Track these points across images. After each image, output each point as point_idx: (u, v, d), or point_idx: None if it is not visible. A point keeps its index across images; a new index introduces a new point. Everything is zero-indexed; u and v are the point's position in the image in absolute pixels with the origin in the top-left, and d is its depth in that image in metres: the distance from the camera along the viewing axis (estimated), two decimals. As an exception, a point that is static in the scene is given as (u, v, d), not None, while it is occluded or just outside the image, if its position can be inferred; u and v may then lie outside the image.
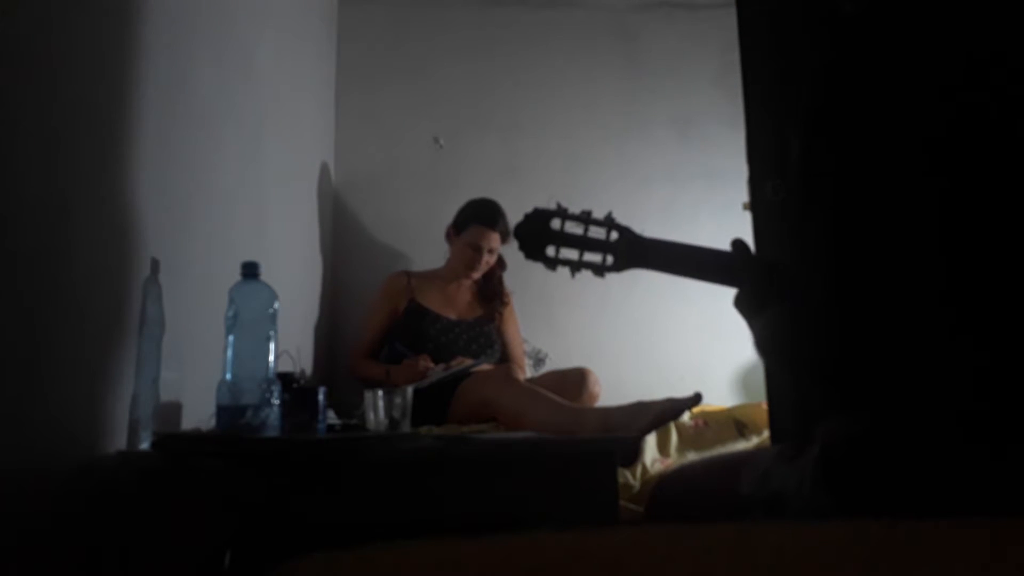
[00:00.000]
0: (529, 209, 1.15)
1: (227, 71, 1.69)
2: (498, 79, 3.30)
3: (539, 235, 1.13)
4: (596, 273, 1.13)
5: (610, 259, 1.12)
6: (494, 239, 2.66)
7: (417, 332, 2.61)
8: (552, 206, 1.15)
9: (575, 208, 1.15)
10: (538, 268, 1.12)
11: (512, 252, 2.75)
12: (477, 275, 2.72)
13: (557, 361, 2.89)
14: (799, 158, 0.86)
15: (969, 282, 0.77)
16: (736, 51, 1.62)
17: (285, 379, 1.31)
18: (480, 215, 2.68)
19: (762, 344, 0.99)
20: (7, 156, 0.87)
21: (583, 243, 1.12)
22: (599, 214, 1.13)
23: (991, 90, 0.77)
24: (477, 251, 2.67)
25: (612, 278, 1.12)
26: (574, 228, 1.13)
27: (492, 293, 2.78)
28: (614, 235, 1.12)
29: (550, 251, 1.13)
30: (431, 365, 2.42)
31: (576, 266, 1.13)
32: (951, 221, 0.77)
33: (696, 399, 1.83)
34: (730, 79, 2.19)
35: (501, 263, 2.79)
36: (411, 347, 2.57)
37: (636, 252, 1.11)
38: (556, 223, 1.14)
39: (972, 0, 0.82)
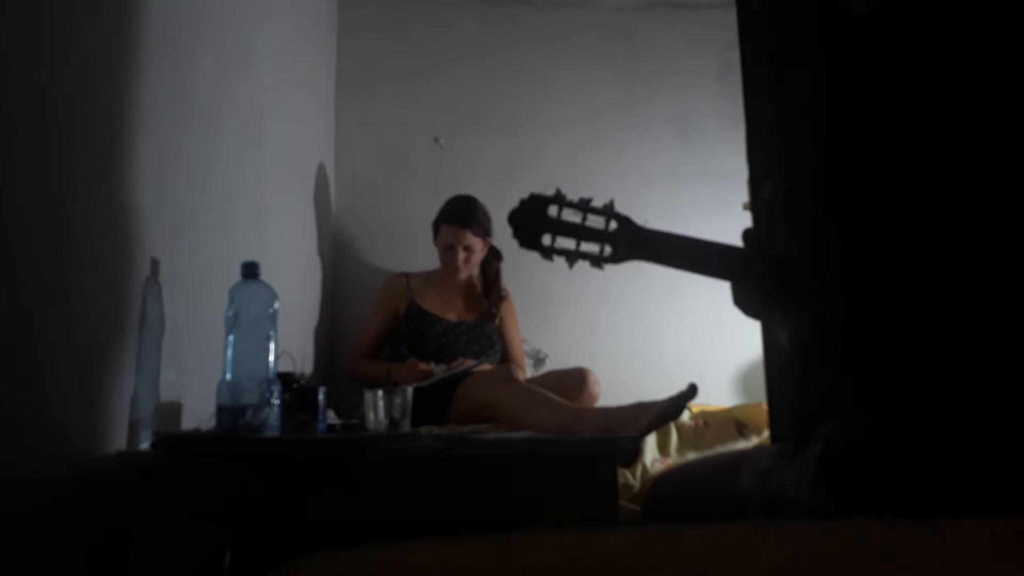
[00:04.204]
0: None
1: (227, 71, 1.69)
2: (498, 79, 3.31)
3: (535, 223, 1.09)
4: (594, 264, 1.09)
5: (608, 250, 1.08)
6: (464, 236, 2.64)
7: (418, 335, 2.62)
8: (550, 192, 1.11)
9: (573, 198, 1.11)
10: (537, 268, 1.11)
11: (510, 249, 2.76)
12: (462, 275, 2.71)
13: (557, 361, 2.89)
14: (808, 160, 0.86)
15: (973, 287, 0.77)
16: (736, 51, 1.62)
17: (285, 379, 1.31)
18: (447, 214, 2.68)
19: (770, 337, 0.99)
20: (7, 156, 0.87)
21: (581, 232, 1.08)
22: (598, 204, 1.10)
23: (1001, 92, 0.77)
24: (450, 250, 2.66)
25: (612, 277, 1.11)
26: (572, 216, 1.10)
27: (489, 287, 2.77)
28: (613, 225, 1.08)
29: (546, 240, 1.09)
30: (433, 371, 2.42)
31: (573, 256, 1.09)
32: (959, 224, 0.77)
33: (692, 391, 1.78)
34: (730, 79, 2.19)
35: (497, 254, 2.78)
36: (412, 350, 2.57)
37: (636, 243, 1.08)
38: (553, 210, 1.09)
39: (982, 3, 0.82)
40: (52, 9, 0.97)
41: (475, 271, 2.76)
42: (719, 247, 1.07)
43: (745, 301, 1.04)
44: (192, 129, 1.45)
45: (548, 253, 1.09)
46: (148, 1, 1.26)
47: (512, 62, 3.32)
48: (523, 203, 1.11)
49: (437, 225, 2.71)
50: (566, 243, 1.09)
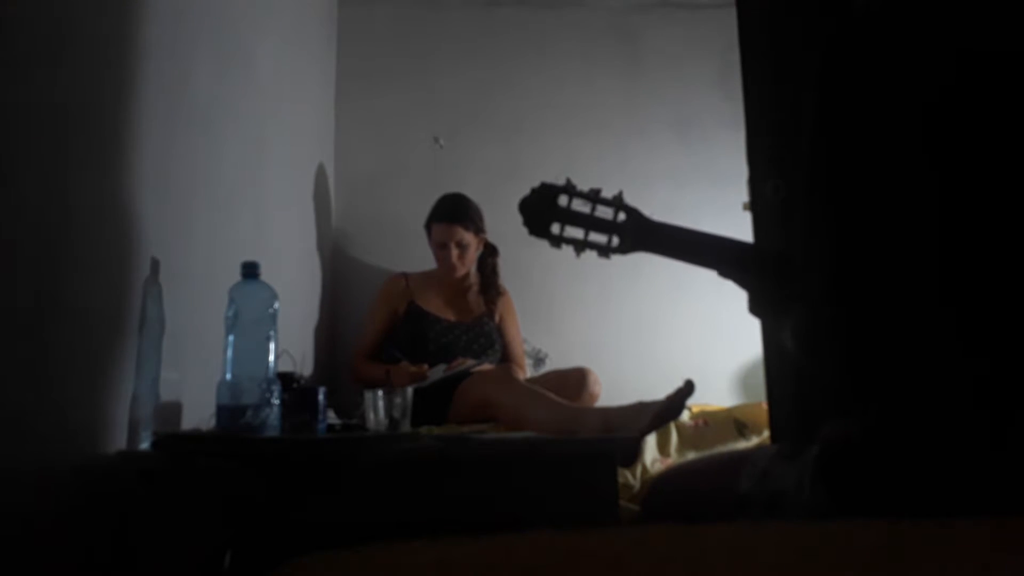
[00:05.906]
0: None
1: (227, 72, 1.69)
2: (498, 79, 3.31)
3: (545, 211, 1.10)
4: (601, 254, 1.10)
5: (616, 240, 1.09)
6: (455, 232, 2.64)
7: (417, 335, 2.62)
8: (560, 181, 1.12)
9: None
10: (537, 267, 1.11)
11: (511, 250, 2.77)
12: (459, 272, 2.70)
13: (557, 361, 2.89)
14: (806, 158, 0.86)
15: (973, 284, 0.77)
16: (736, 51, 1.62)
17: (285, 379, 1.31)
18: (437, 212, 2.68)
19: (770, 337, 0.98)
20: (7, 156, 0.87)
21: (590, 222, 1.09)
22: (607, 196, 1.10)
23: (1000, 90, 0.77)
24: (443, 248, 2.66)
25: (613, 276, 1.12)
26: (581, 206, 1.10)
27: (487, 283, 2.77)
28: (622, 216, 1.09)
29: (555, 228, 1.10)
30: (426, 372, 2.42)
31: (581, 245, 1.10)
32: (961, 222, 0.77)
33: (689, 387, 1.77)
34: (730, 80, 2.19)
35: (493, 250, 2.78)
36: (412, 350, 2.57)
37: (644, 235, 1.08)
38: (563, 200, 1.10)
39: (981, 0, 0.82)
40: (52, 9, 0.97)
41: (472, 268, 2.76)
42: (726, 241, 1.07)
43: (758, 308, 1.03)
44: (193, 129, 1.45)
45: (556, 241, 1.10)
46: (148, 1, 1.26)
47: (512, 63, 3.32)
48: (534, 191, 1.11)
49: (429, 226, 2.71)
50: (574, 232, 1.10)
